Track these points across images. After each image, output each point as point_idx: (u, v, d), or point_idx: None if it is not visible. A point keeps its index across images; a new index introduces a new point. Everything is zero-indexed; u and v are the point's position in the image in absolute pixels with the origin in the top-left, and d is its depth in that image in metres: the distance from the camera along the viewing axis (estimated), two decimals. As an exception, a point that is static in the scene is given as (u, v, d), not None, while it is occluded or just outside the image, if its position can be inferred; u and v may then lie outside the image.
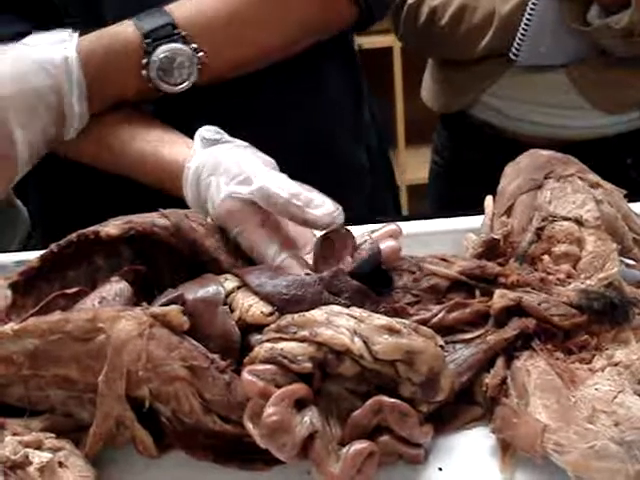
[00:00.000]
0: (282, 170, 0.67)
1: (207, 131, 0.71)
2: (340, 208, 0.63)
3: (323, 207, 0.62)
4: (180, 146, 0.74)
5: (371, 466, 0.53)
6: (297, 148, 0.87)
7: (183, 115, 0.80)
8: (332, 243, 0.63)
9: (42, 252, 0.63)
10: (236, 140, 0.70)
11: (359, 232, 0.66)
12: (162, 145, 0.75)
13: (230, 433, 0.55)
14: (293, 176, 0.65)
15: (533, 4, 1.01)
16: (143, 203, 0.66)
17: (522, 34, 1.03)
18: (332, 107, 0.94)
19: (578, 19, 0.99)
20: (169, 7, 0.78)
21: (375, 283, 0.61)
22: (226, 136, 0.70)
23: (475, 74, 1.13)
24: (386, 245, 0.62)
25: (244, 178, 0.64)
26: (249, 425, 0.52)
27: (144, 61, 0.76)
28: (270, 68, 0.85)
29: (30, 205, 1.09)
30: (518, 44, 1.05)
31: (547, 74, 1.08)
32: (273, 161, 0.68)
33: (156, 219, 0.62)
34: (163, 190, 0.75)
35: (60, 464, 0.54)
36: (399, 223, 0.67)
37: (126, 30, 0.77)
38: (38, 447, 0.55)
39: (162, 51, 0.76)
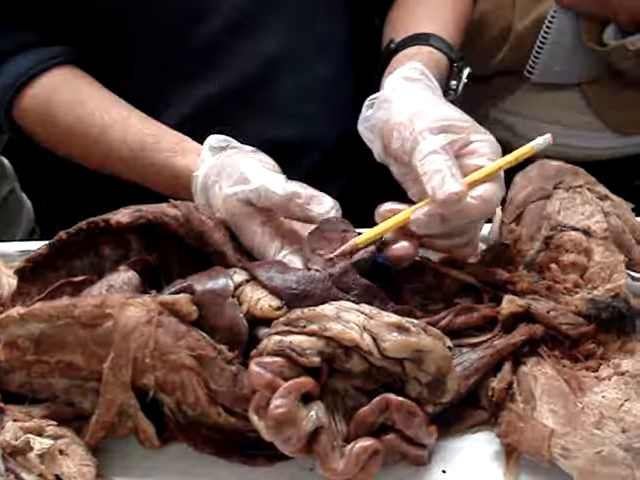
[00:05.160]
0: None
1: (215, 140, 0.71)
2: (338, 204, 0.64)
3: (323, 204, 0.63)
4: (192, 155, 0.73)
5: (375, 464, 0.53)
6: None
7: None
8: (322, 234, 0.62)
9: (47, 242, 0.62)
10: (244, 146, 0.70)
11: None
12: (174, 155, 0.75)
13: (234, 426, 0.54)
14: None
15: (549, 22, 1.00)
16: (151, 199, 0.66)
17: (537, 52, 1.03)
18: None
19: (594, 39, 0.99)
20: None
21: (377, 278, 0.60)
22: (233, 143, 0.71)
23: (487, 89, 1.13)
24: (401, 246, 0.62)
25: (242, 178, 0.64)
26: (254, 417, 0.51)
27: None
28: None
29: (36, 201, 1.08)
30: (533, 62, 1.04)
31: (560, 92, 1.08)
32: (277, 166, 0.67)
33: (166, 209, 0.61)
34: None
35: (61, 452, 0.54)
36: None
37: None
38: (39, 434, 0.54)
39: None
